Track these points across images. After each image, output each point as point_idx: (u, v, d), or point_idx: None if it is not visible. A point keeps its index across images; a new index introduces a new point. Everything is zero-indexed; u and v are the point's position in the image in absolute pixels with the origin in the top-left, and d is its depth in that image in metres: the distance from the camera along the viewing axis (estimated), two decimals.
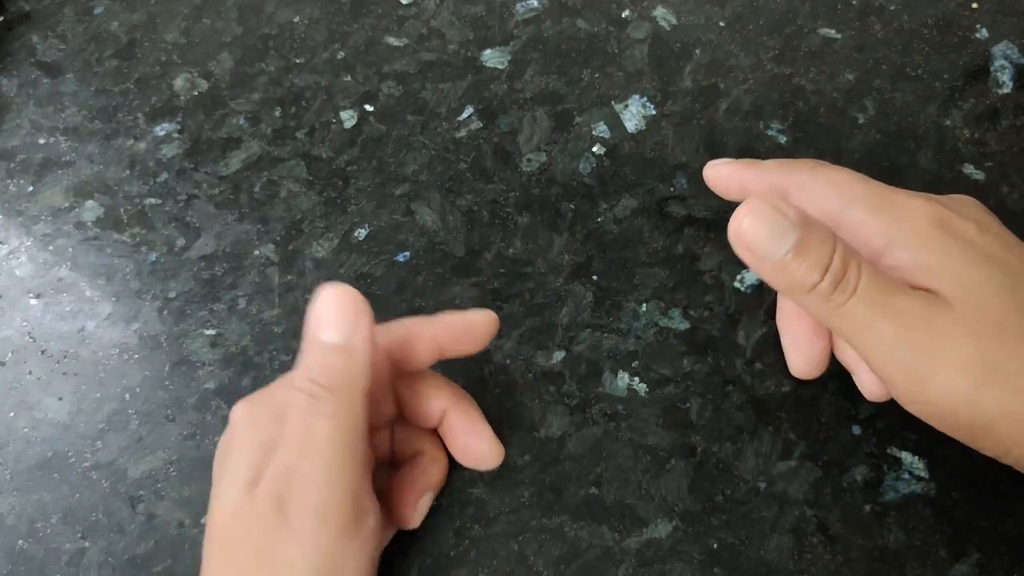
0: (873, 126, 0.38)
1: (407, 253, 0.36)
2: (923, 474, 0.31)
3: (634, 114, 0.39)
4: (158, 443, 0.33)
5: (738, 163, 0.31)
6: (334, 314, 0.26)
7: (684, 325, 0.34)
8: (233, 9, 0.44)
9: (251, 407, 0.28)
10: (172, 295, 0.36)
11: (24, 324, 0.36)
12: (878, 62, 0.40)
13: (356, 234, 0.37)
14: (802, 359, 0.31)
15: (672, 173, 0.38)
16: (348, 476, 0.25)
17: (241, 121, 0.40)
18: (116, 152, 0.40)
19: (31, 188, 0.39)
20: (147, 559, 0.31)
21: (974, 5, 0.41)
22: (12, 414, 0.34)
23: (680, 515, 0.31)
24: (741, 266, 0.35)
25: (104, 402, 0.34)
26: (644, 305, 0.35)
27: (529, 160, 0.38)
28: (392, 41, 0.42)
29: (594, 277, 0.35)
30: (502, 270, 0.36)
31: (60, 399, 0.34)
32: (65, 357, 0.35)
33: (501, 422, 0.32)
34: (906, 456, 0.31)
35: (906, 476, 0.31)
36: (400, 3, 0.43)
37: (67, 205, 0.38)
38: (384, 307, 0.35)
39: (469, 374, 0.33)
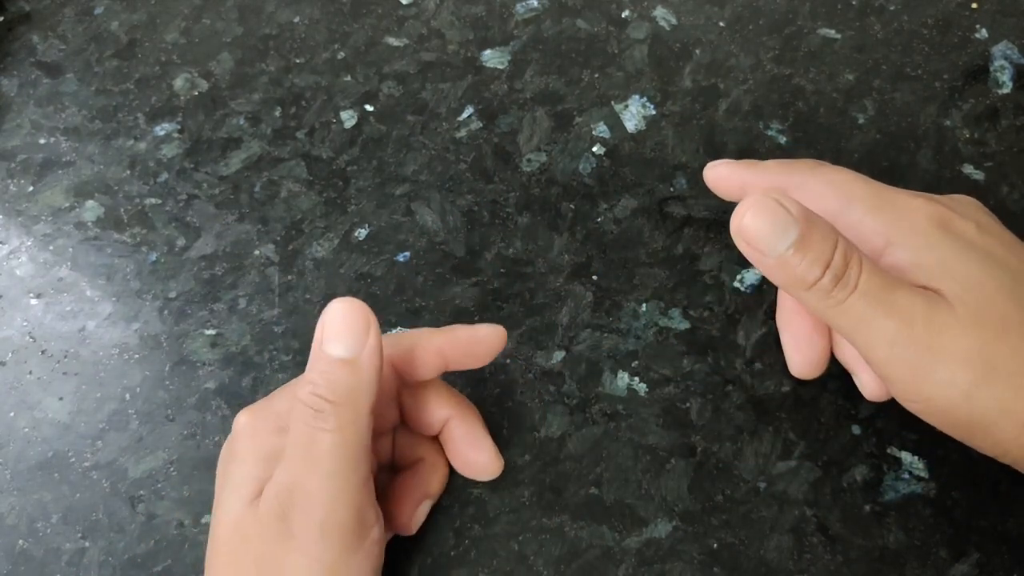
0: (873, 126, 0.38)
1: (407, 253, 0.36)
2: (923, 474, 0.31)
3: (634, 114, 0.39)
4: (158, 443, 0.33)
5: (738, 164, 0.31)
6: (342, 327, 0.26)
7: (684, 325, 0.34)
8: (233, 9, 0.44)
9: (254, 417, 0.28)
10: (172, 295, 0.36)
11: (24, 324, 0.36)
12: (878, 62, 0.40)
13: (356, 234, 0.37)
14: (802, 358, 0.31)
15: (672, 173, 0.38)
16: (352, 491, 0.25)
17: (241, 121, 0.40)
18: (116, 152, 0.40)
19: (31, 188, 0.39)
20: (147, 559, 0.31)
21: (974, 5, 0.41)
22: (12, 414, 0.34)
23: (680, 515, 0.31)
24: (741, 266, 0.35)
25: (104, 402, 0.34)
26: (644, 305, 0.35)
27: (529, 160, 0.38)
28: (392, 41, 0.42)
29: (594, 277, 0.35)
30: (502, 270, 0.36)
31: (60, 399, 0.34)
32: (65, 357, 0.35)
33: (501, 422, 0.32)
34: (906, 456, 0.31)
35: (906, 476, 0.31)
36: (400, 3, 0.43)
37: (67, 205, 0.38)
38: (384, 307, 0.35)
39: (469, 374, 0.33)
